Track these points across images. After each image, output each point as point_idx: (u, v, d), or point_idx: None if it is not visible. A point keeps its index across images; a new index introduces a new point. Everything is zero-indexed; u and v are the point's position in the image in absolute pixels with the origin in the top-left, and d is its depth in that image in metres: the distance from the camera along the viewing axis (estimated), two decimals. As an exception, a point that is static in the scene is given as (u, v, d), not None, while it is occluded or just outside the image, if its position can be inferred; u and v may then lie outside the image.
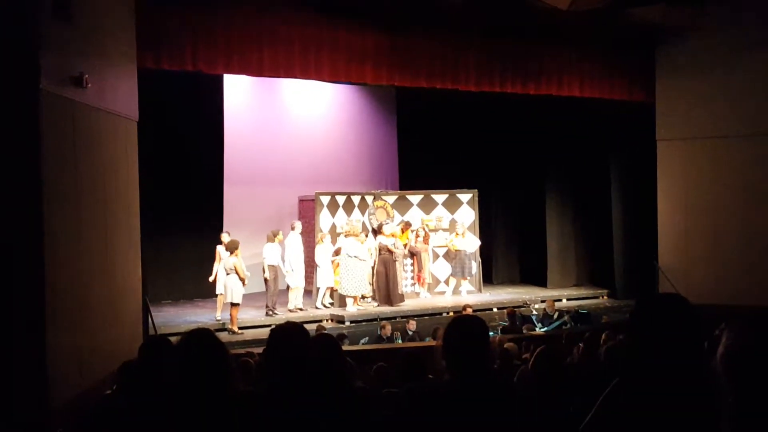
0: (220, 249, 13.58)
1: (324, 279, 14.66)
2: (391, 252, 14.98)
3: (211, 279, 13.70)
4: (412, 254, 16.14)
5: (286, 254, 14.24)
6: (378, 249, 15.07)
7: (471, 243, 16.35)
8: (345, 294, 14.57)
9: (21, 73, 7.93)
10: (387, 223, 15.87)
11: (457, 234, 16.32)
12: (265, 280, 13.79)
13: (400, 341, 12.46)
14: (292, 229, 14.56)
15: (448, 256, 16.60)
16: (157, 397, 3.33)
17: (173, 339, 3.92)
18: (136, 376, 4.55)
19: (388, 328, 12.75)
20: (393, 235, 15.31)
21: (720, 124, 15.45)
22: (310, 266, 14.97)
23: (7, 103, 7.89)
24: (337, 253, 14.89)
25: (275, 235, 13.99)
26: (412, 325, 13.14)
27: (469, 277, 16.44)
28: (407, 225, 16.18)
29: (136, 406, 3.61)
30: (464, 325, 3.01)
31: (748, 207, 15.16)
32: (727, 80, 15.32)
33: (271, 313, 13.71)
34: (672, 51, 16.04)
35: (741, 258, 15.09)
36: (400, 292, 15.13)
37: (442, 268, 16.75)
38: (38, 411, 7.76)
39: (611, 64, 15.77)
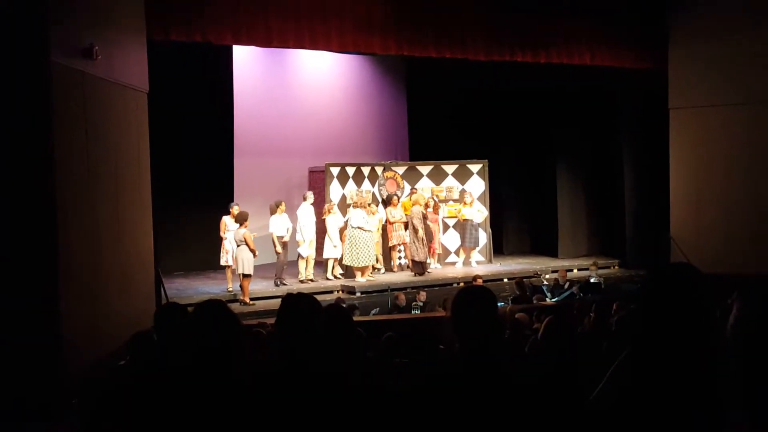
0: (226, 220, 13.54)
1: (332, 250, 14.67)
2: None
3: (224, 258, 13.60)
4: (423, 225, 16.16)
5: (299, 224, 14.26)
6: (422, 217, 15.20)
7: (478, 213, 16.33)
8: (349, 265, 14.60)
9: (31, 45, 7.93)
10: (397, 195, 15.93)
11: (464, 203, 16.31)
12: (276, 251, 13.83)
13: (418, 312, 12.46)
14: (304, 199, 14.56)
15: (457, 226, 16.61)
16: (170, 369, 3.36)
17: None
18: (149, 347, 4.59)
19: (402, 298, 12.77)
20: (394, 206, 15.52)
21: (733, 92, 15.28)
22: (322, 237, 15.00)
23: (18, 75, 7.90)
24: (347, 224, 14.90)
25: (278, 206, 14.01)
26: (423, 296, 13.15)
27: (475, 247, 16.43)
28: (414, 192, 16.20)
29: (149, 378, 3.63)
30: (472, 296, 3.01)
31: (761, 176, 15.05)
32: (741, 47, 15.13)
33: (279, 283, 13.76)
34: (685, 17, 15.85)
35: (753, 227, 15.02)
36: (417, 260, 15.28)
37: (452, 239, 16.75)
38: (52, 381, 7.84)
39: (623, 32, 15.59)
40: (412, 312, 12.34)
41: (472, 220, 16.18)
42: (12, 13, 7.83)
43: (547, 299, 13.34)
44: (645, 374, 2.72)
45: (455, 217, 16.54)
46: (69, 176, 8.43)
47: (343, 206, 15.40)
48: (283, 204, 14.13)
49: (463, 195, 16.52)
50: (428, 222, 15.87)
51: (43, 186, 8.00)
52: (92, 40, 8.91)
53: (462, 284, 14.10)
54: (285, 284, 13.78)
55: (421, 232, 15.04)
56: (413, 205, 15.38)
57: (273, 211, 13.99)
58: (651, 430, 2.69)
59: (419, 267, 15.18)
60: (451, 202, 16.69)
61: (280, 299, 3.22)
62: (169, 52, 12.15)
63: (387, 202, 15.87)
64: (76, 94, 8.72)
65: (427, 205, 16.07)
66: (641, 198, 17.06)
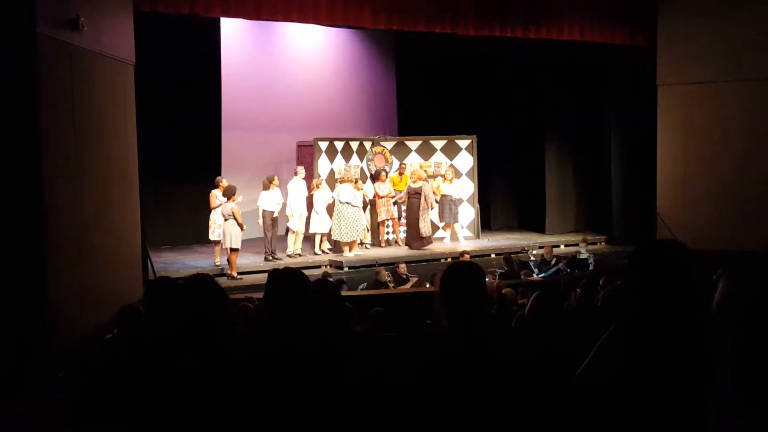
0: (216, 193, 13.47)
1: (320, 225, 14.65)
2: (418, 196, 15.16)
3: (212, 232, 13.50)
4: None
5: (289, 199, 14.24)
6: (407, 193, 15.24)
7: (458, 189, 16.28)
8: (338, 240, 14.61)
9: (17, 16, 7.85)
10: (386, 170, 15.90)
11: (444, 179, 16.28)
12: (263, 225, 13.80)
13: (392, 285, 12.55)
14: (296, 174, 14.54)
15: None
16: (158, 342, 3.36)
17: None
18: (137, 320, 4.58)
19: (383, 273, 12.83)
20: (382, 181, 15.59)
21: (721, 69, 15.30)
22: (311, 211, 14.98)
23: (4, 46, 7.82)
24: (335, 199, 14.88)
25: (270, 181, 13.95)
26: (403, 268, 13.21)
27: (454, 222, 16.37)
28: (403, 168, 16.17)
29: (136, 351, 3.64)
30: (461, 271, 3.02)
31: (747, 152, 15.11)
32: (729, 24, 15.13)
33: (270, 258, 13.76)
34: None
35: (739, 203, 15.09)
36: (423, 235, 15.21)
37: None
38: (40, 355, 7.84)
39: (612, 8, 15.54)
40: (388, 286, 12.42)
41: (450, 196, 16.13)
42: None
43: (534, 275, 13.42)
44: (632, 350, 2.74)
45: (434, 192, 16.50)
46: (55, 149, 8.38)
47: (332, 181, 15.37)
48: (276, 179, 14.07)
49: (451, 171, 16.51)
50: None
51: (30, 159, 7.95)
52: (79, 11, 8.82)
53: (449, 260, 14.15)
54: (276, 258, 13.76)
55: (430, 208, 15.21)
56: (419, 180, 15.33)
57: (266, 187, 13.89)
58: (638, 405, 2.71)
59: (422, 242, 15.19)
60: (439, 178, 16.66)
61: (267, 273, 3.22)
62: (156, 24, 12.03)
63: (375, 177, 15.84)
64: (62, 65, 8.65)
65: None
66: (628, 174, 17.09)
